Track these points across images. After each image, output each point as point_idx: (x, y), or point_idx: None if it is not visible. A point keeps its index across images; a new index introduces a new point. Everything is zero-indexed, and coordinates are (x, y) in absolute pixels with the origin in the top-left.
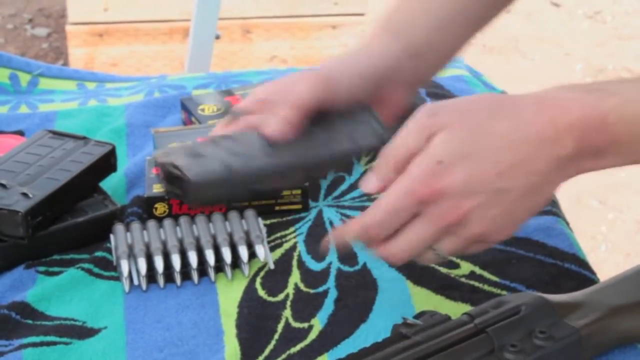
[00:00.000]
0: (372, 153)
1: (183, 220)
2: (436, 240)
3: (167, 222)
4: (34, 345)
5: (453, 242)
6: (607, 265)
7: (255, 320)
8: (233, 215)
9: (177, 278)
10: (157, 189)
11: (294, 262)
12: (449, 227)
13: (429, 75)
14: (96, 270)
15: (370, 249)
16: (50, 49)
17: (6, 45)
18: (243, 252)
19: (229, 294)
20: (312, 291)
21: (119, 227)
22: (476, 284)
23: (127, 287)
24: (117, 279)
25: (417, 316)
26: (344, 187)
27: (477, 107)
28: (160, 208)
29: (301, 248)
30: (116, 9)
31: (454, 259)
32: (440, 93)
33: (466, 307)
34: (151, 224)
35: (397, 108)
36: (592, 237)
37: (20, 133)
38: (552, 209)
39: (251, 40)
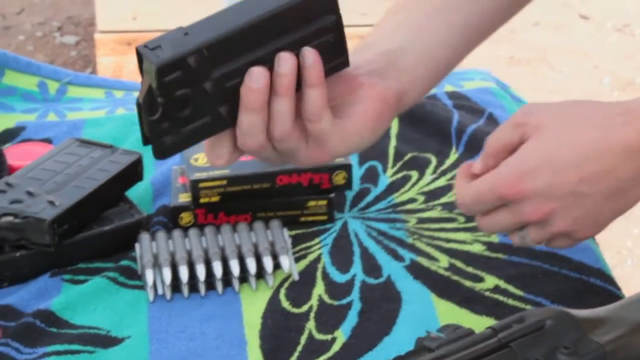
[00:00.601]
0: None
1: (208, 230)
2: (521, 228)
3: (193, 232)
4: (58, 353)
5: (538, 233)
6: (633, 280)
7: (278, 332)
8: (258, 225)
9: (202, 288)
10: (183, 198)
11: (319, 274)
12: (535, 222)
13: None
14: (121, 279)
15: None
16: (79, 57)
17: (35, 53)
18: (268, 262)
19: (252, 305)
20: (336, 303)
21: (144, 236)
22: (500, 297)
23: (151, 297)
24: (142, 288)
25: (440, 329)
26: (369, 198)
27: (569, 113)
28: (186, 218)
29: (326, 259)
30: (145, 17)
31: (479, 272)
32: (466, 105)
33: (490, 321)
34: (176, 233)
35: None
36: (618, 251)
37: (48, 141)
38: None
39: None
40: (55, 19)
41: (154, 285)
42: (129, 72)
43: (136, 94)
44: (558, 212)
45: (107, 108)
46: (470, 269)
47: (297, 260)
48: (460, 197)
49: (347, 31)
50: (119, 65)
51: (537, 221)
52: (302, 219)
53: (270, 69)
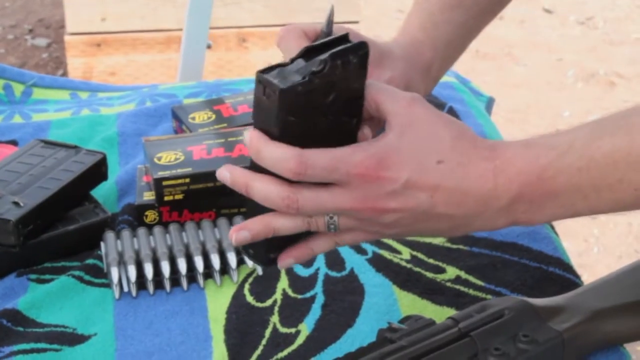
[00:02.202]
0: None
1: (173, 227)
2: (340, 214)
3: (157, 230)
4: (25, 352)
5: (353, 222)
6: (599, 267)
7: (243, 326)
8: (222, 222)
9: (167, 285)
10: (148, 196)
11: None
12: (362, 211)
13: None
14: (87, 277)
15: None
16: (50, 59)
17: (7, 56)
18: (232, 258)
19: (217, 300)
20: (299, 297)
21: (109, 235)
22: (461, 288)
23: (117, 294)
24: (108, 286)
25: (402, 320)
26: None
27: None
28: (151, 215)
29: None
30: (114, 19)
31: (441, 263)
32: (427, 99)
33: (451, 312)
34: (141, 231)
35: None
36: (585, 239)
37: (14, 142)
38: None
39: (247, 49)
40: (26, 21)
41: (120, 283)
42: (99, 72)
43: (101, 95)
44: (394, 213)
45: (72, 109)
46: (431, 261)
47: None
48: (305, 156)
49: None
50: (89, 66)
51: (366, 212)
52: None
53: None
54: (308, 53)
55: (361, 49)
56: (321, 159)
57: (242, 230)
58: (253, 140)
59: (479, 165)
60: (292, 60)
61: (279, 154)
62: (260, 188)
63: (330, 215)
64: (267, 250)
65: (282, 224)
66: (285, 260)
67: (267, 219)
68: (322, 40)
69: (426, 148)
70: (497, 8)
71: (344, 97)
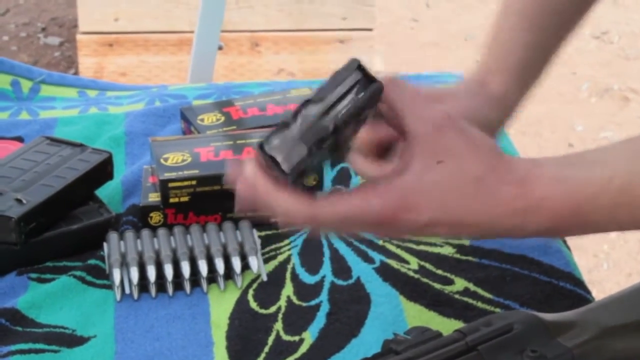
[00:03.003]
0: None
1: (177, 230)
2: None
3: (161, 232)
4: (22, 352)
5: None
6: (608, 284)
7: (245, 332)
8: (227, 226)
9: (169, 288)
10: (153, 198)
11: (288, 275)
12: (383, 233)
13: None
14: (88, 278)
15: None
16: (62, 58)
17: (19, 54)
18: (236, 263)
19: (220, 306)
20: (304, 304)
21: (112, 236)
22: (470, 300)
23: (118, 296)
24: (109, 287)
25: (408, 332)
26: None
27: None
28: (156, 217)
29: (295, 261)
30: (126, 19)
31: (449, 274)
32: None
33: (459, 324)
34: (145, 233)
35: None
36: (595, 255)
37: (20, 139)
38: None
39: (259, 53)
40: (39, 20)
41: (122, 285)
42: (110, 72)
43: (109, 94)
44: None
45: (80, 107)
46: (439, 272)
47: (267, 261)
48: (321, 214)
49: (328, 35)
50: (101, 66)
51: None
52: (273, 219)
53: None
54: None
55: (375, 93)
56: (336, 215)
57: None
58: (271, 195)
59: (508, 206)
60: (294, 116)
61: (291, 208)
62: (283, 205)
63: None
64: None
65: None
66: None
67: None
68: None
69: (451, 185)
70: (573, 25)
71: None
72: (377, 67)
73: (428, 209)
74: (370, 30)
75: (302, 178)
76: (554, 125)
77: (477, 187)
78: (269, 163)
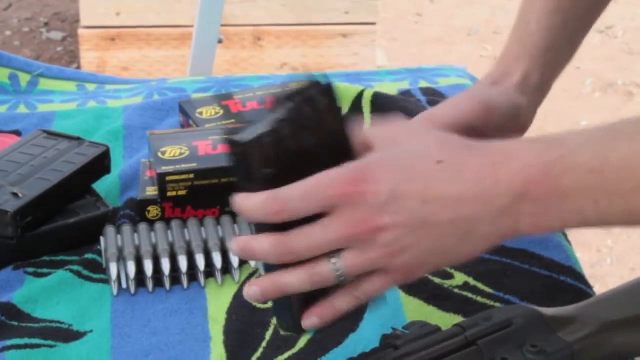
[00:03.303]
0: None
1: (175, 224)
2: (338, 247)
3: (159, 226)
4: (18, 347)
5: (356, 259)
6: (612, 278)
7: (243, 327)
8: (226, 220)
9: (167, 282)
10: (151, 192)
11: None
12: (357, 238)
13: (558, 75)
14: (85, 272)
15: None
16: (65, 53)
17: (22, 48)
18: (234, 257)
19: (218, 300)
20: None
21: (109, 230)
22: (469, 295)
23: (115, 291)
24: (106, 282)
25: (406, 327)
26: None
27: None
28: (153, 211)
29: None
30: (128, 13)
31: (449, 269)
32: (440, 101)
33: (458, 319)
34: (142, 226)
35: (525, 129)
36: (598, 250)
37: (17, 133)
38: None
39: (262, 48)
40: (42, 15)
41: (118, 279)
42: (112, 67)
43: (108, 87)
44: (390, 231)
45: (78, 101)
46: None
47: None
48: (285, 191)
49: (331, 29)
50: (103, 61)
51: (364, 234)
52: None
53: None
54: (276, 104)
55: (327, 90)
56: (295, 189)
57: (253, 287)
58: (236, 202)
59: (473, 163)
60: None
61: (255, 202)
62: (257, 246)
63: (333, 261)
64: (294, 318)
65: (288, 280)
66: (308, 320)
67: (274, 276)
68: (287, 90)
69: (410, 156)
70: (599, 8)
71: (325, 140)
72: (380, 61)
73: (388, 178)
74: (373, 24)
75: (277, 180)
76: (558, 121)
77: (439, 151)
78: (235, 150)
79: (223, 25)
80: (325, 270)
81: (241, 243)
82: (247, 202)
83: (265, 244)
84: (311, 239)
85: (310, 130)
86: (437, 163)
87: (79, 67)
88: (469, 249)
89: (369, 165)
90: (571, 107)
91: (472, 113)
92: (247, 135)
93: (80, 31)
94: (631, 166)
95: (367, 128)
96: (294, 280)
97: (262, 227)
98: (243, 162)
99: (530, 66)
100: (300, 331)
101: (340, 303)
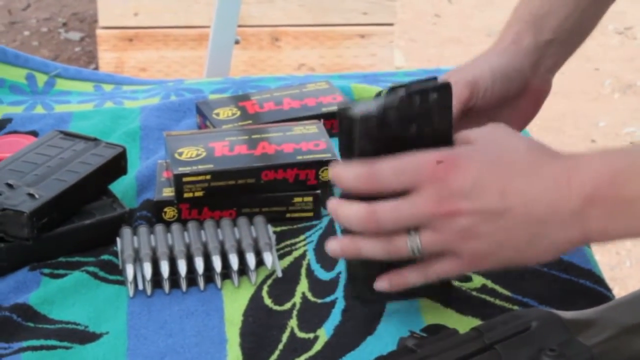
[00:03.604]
0: None
1: (191, 225)
2: (419, 224)
3: (175, 227)
4: (34, 348)
5: (433, 237)
6: (631, 280)
7: (260, 329)
8: (242, 221)
9: (183, 284)
10: (167, 193)
11: (303, 271)
12: (438, 217)
13: (569, 55)
14: (101, 273)
15: (349, 206)
16: (83, 53)
17: (40, 49)
18: (250, 259)
19: (234, 302)
20: (319, 301)
21: (126, 231)
22: (487, 297)
23: (131, 292)
24: (122, 283)
25: (424, 329)
26: None
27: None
28: (170, 212)
29: (311, 257)
30: (146, 14)
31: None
32: None
33: (476, 322)
34: (159, 228)
35: (541, 95)
36: (617, 252)
37: (34, 133)
38: None
39: (280, 48)
40: (60, 15)
41: (135, 281)
42: (130, 68)
43: (125, 88)
44: (468, 216)
45: (95, 101)
46: None
47: (282, 257)
48: (375, 165)
49: (348, 30)
50: (121, 61)
51: (445, 215)
52: (288, 215)
53: None
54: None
55: (443, 88)
56: (390, 163)
57: (334, 242)
58: (334, 170)
59: (551, 168)
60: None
61: (352, 170)
62: (343, 211)
63: (411, 237)
64: (365, 283)
65: (366, 245)
66: (380, 282)
67: (356, 238)
68: (410, 81)
69: (499, 153)
70: None
71: (429, 133)
72: (398, 62)
73: (475, 167)
74: (391, 25)
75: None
76: (577, 122)
77: (526, 153)
78: (344, 120)
79: (240, 26)
80: (403, 244)
81: (332, 205)
82: (344, 170)
83: (352, 209)
84: (396, 212)
85: (415, 121)
86: (521, 163)
87: (96, 68)
88: (537, 251)
89: (460, 153)
90: (590, 108)
91: (460, 98)
92: (357, 110)
93: (98, 31)
94: None
95: (470, 130)
96: (373, 247)
97: (349, 197)
98: (347, 133)
99: (522, 28)
100: (367, 298)
101: (411, 276)
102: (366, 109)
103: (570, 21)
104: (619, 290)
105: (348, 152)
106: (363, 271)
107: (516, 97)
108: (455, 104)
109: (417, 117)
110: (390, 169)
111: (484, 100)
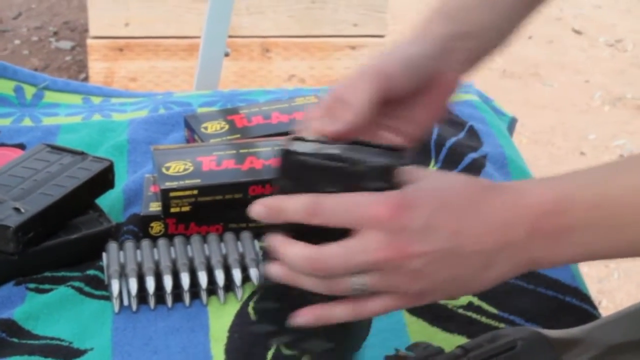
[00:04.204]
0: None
1: (178, 240)
2: (366, 269)
3: (162, 242)
4: None
5: (381, 279)
6: (619, 293)
7: (245, 347)
8: (229, 237)
9: (169, 300)
10: (154, 207)
11: None
12: (389, 261)
13: (484, 54)
14: (87, 289)
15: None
16: (74, 62)
17: (30, 57)
18: (237, 275)
19: (220, 318)
20: None
21: (112, 246)
22: (474, 315)
23: (117, 308)
24: (108, 298)
25: (409, 347)
26: None
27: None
28: (156, 227)
29: None
30: (137, 24)
31: None
32: (447, 117)
33: (462, 340)
34: (145, 243)
35: (450, 87)
36: (605, 265)
37: (22, 146)
38: None
39: (270, 59)
40: (51, 24)
41: (120, 296)
42: (120, 77)
43: (114, 100)
44: (421, 257)
45: (83, 114)
46: None
47: None
48: (317, 198)
49: (339, 41)
50: (111, 71)
51: (394, 260)
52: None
53: None
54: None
55: (384, 169)
56: (336, 199)
57: (275, 267)
58: (274, 202)
59: (496, 198)
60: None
61: (297, 202)
62: (287, 251)
63: (356, 277)
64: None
65: (306, 280)
66: (303, 316)
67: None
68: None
69: (444, 189)
70: None
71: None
72: None
73: (426, 206)
74: (382, 37)
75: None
76: (566, 134)
77: (470, 186)
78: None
79: (231, 37)
80: (347, 283)
81: (274, 244)
82: (288, 201)
83: (298, 251)
84: (346, 257)
85: (355, 178)
86: (468, 200)
87: (87, 77)
88: (482, 282)
89: (409, 193)
90: (580, 120)
91: (375, 91)
92: (300, 148)
93: (89, 41)
94: (631, 200)
95: (407, 169)
96: (312, 282)
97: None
98: (289, 167)
99: (435, 18)
100: (263, 329)
101: (340, 313)
102: (310, 147)
103: (486, 17)
104: (607, 303)
105: (290, 185)
106: (276, 303)
107: (428, 86)
108: (366, 95)
109: (350, 180)
110: (338, 204)
111: (396, 90)
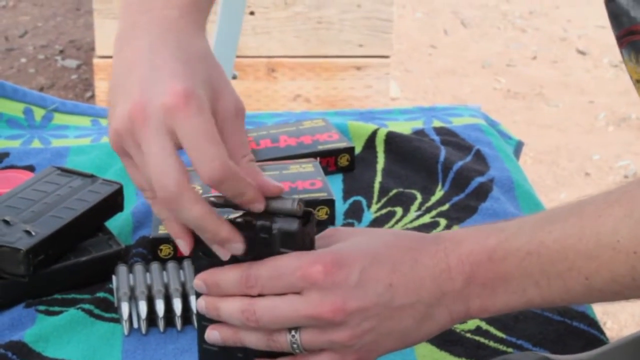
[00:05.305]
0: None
1: (187, 263)
2: (301, 325)
3: (171, 265)
4: None
5: (314, 336)
6: (623, 314)
7: None
8: None
9: (178, 322)
10: (163, 230)
11: None
12: (322, 318)
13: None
14: (97, 311)
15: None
16: (80, 81)
17: (36, 76)
18: None
19: None
20: None
21: (121, 268)
22: (482, 339)
23: (126, 330)
24: (118, 321)
25: None
26: None
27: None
28: (165, 250)
29: None
30: None
31: None
32: (454, 141)
33: None
34: (154, 266)
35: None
36: None
37: (31, 168)
38: None
39: (276, 79)
40: (57, 42)
41: (130, 319)
42: None
43: None
44: (356, 313)
45: (92, 136)
46: None
47: None
48: (256, 265)
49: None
50: None
51: (328, 318)
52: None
53: None
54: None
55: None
56: (266, 268)
57: (214, 330)
58: (209, 275)
59: (429, 248)
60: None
61: (230, 275)
62: (221, 307)
63: (292, 333)
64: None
65: (247, 336)
66: None
67: (237, 328)
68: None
69: (374, 243)
70: None
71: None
72: (393, 93)
73: (358, 261)
74: (387, 57)
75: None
76: (571, 154)
77: (400, 239)
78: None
79: (237, 57)
80: (284, 340)
81: (208, 303)
82: (221, 275)
83: (230, 306)
84: (276, 313)
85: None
86: (399, 251)
87: (93, 96)
88: (424, 332)
89: (339, 251)
90: (584, 141)
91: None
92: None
93: (95, 60)
94: (564, 248)
95: (332, 229)
96: (253, 338)
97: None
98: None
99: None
100: None
101: None
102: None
103: None
104: (612, 324)
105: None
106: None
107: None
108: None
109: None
110: (267, 273)
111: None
